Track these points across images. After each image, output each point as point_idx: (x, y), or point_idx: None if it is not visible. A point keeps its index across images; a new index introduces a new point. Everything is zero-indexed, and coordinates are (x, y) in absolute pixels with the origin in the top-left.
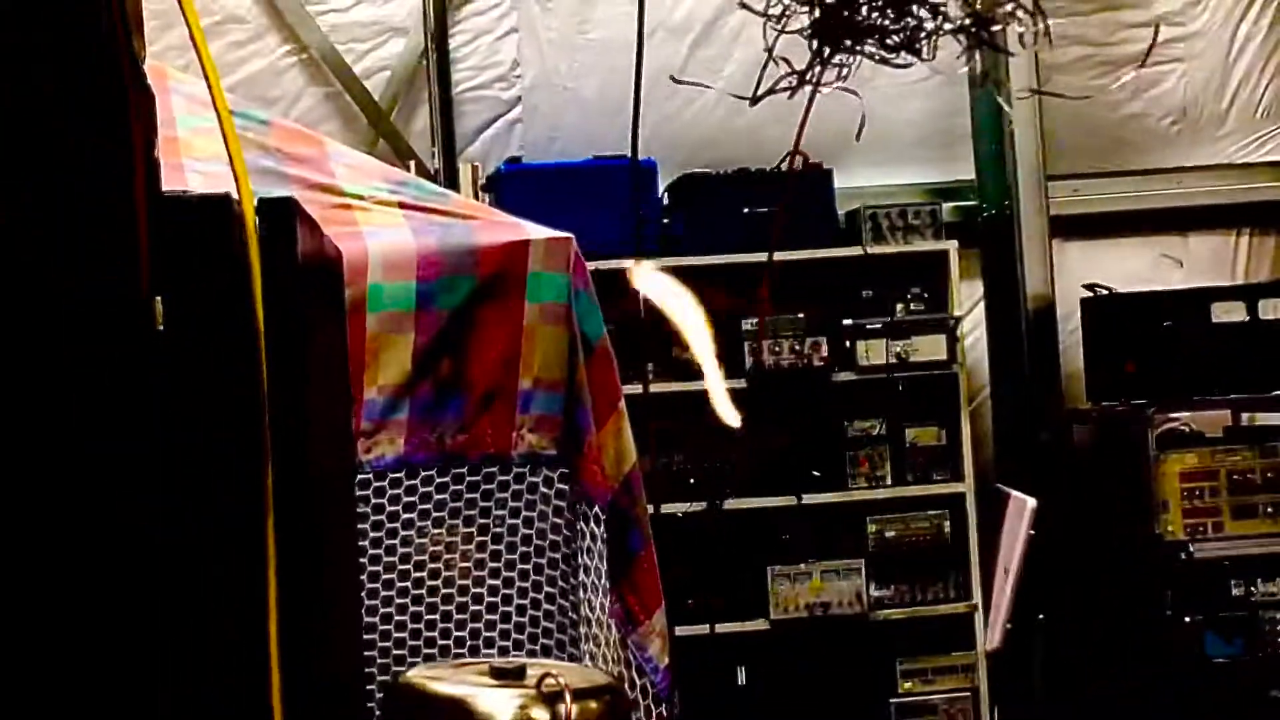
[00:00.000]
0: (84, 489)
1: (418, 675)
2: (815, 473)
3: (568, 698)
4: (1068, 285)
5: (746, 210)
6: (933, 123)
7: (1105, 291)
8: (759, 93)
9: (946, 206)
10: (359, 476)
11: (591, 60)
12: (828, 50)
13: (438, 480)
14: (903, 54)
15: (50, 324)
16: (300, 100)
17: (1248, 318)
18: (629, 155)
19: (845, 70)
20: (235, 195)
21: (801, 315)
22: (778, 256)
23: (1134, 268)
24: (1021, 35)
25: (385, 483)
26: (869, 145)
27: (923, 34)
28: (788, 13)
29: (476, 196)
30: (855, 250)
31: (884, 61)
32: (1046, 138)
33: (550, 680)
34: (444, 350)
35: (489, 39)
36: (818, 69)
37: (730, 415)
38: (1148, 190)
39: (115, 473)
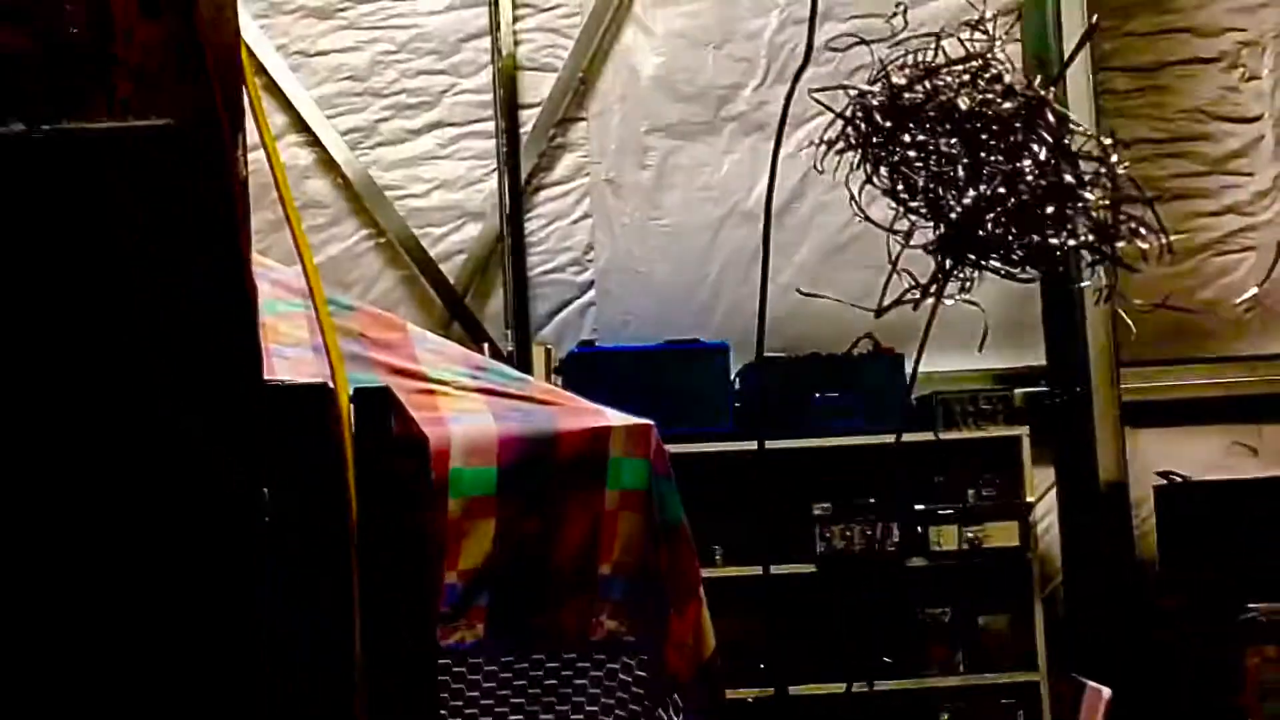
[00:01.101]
0: (192, 678)
1: None
2: (887, 659)
3: None
4: (1141, 473)
5: (818, 395)
6: (1005, 307)
7: (1179, 479)
8: (884, 304)
9: (1018, 392)
10: (440, 661)
11: (663, 245)
12: (951, 263)
13: (517, 666)
14: (1026, 269)
15: (163, 513)
16: (378, 283)
17: None
18: (699, 338)
19: (968, 284)
20: (331, 384)
21: (873, 500)
22: (848, 442)
23: (1207, 456)
24: (1145, 252)
25: (465, 668)
26: (942, 331)
27: (1043, 249)
28: (914, 227)
29: (549, 379)
30: (927, 435)
31: (1008, 276)
32: (1119, 324)
33: None
34: (525, 535)
35: (563, 224)
36: (940, 280)
37: None
38: (1221, 378)
39: (220, 656)
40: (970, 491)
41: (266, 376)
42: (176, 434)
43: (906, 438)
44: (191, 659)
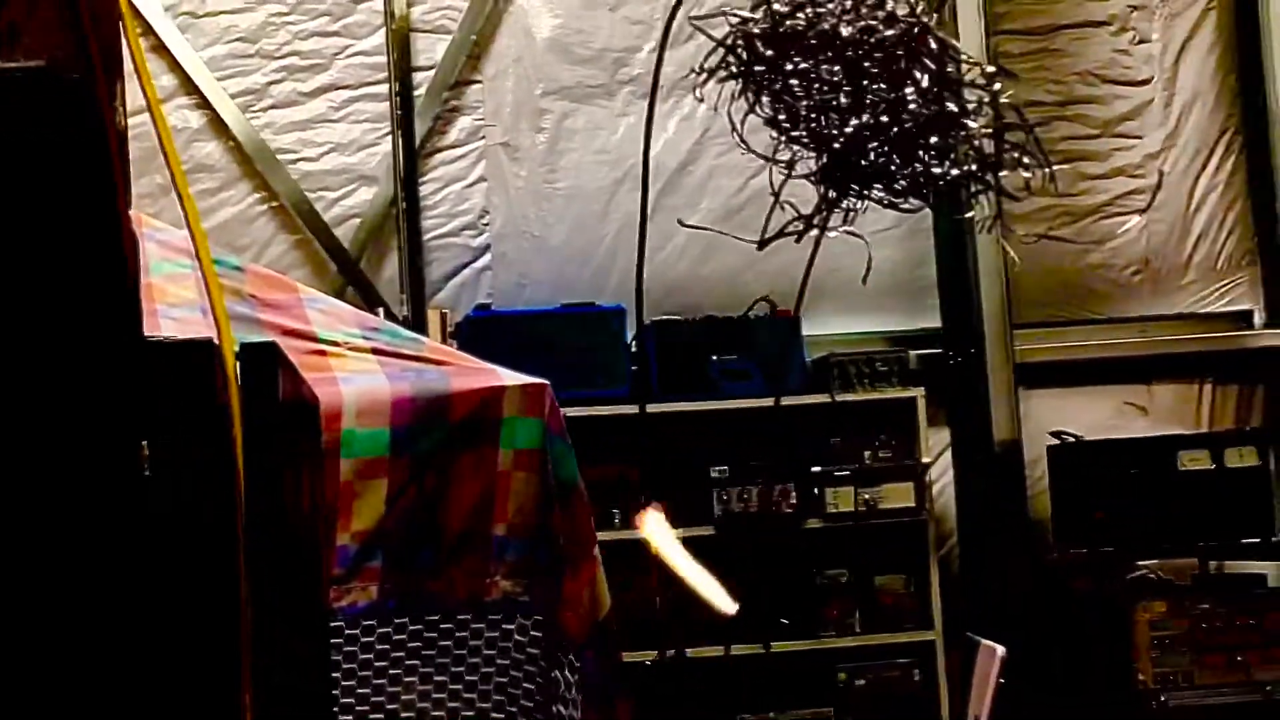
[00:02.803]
0: (70, 631)
1: None
2: (784, 620)
3: None
4: (1034, 432)
5: (714, 358)
6: (899, 272)
7: (1072, 439)
8: (767, 236)
9: (913, 354)
10: (332, 624)
11: (559, 208)
12: (834, 194)
13: (411, 628)
14: (909, 199)
15: (37, 466)
16: (270, 247)
17: (1213, 466)
18: (595, 302)
19: (851, 215)
20: (216, 340)
21: (771, 463)
22: (747, 404)
23: (1098, 416)
24: (1028, 181)
25: (358, 630)
26: (836, 293)
27: (928, 179)
28: (796, 157)
29: (445, 343)
30: (823, 397)
31: (891, 206)
32: (1011, 286)
33: None
34: (417, 497)
35: (458, 187)
36: (824, 213)
37: (727, 606)
38: (1111, 339)
39: (97, 613)
40: (866, 453)
41: (151, 334)
42: (47, 388)
43: (803, 400)
44: (67, 619)
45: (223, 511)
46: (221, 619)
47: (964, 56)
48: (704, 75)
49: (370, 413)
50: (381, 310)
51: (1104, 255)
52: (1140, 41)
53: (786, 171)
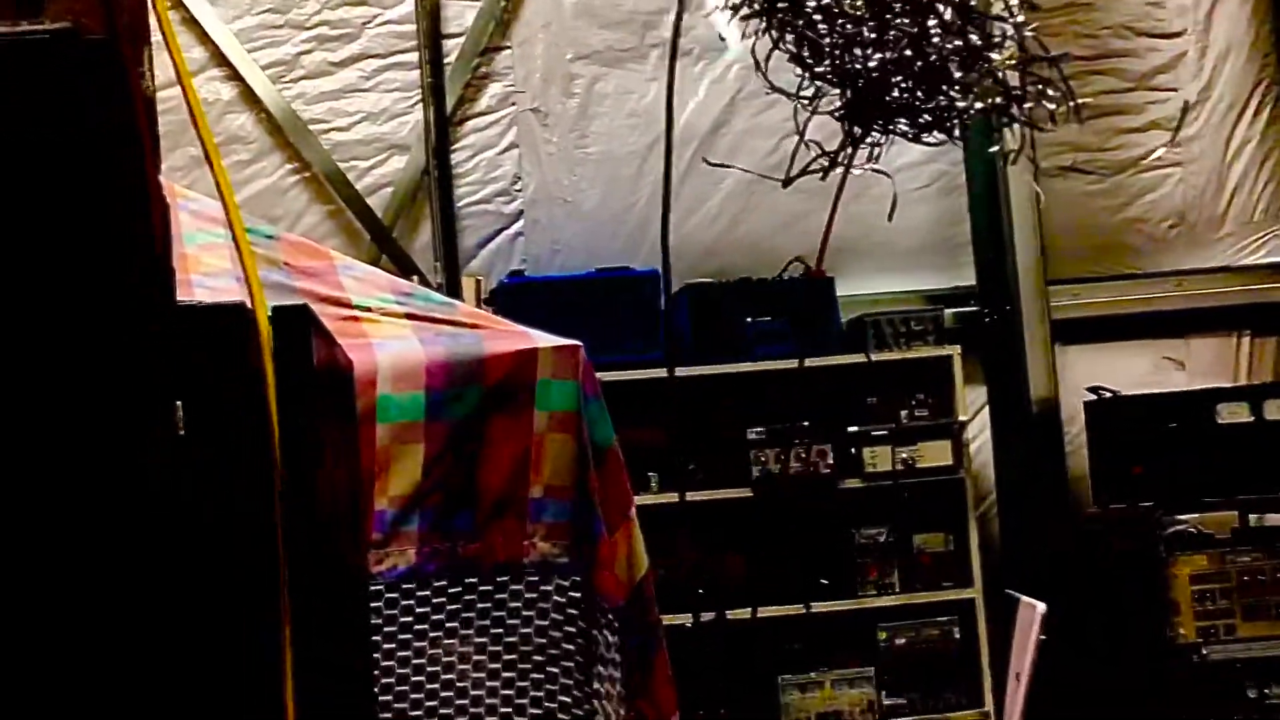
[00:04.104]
0: (105, 595)
1: None
2: (824, 581)
3: None
4: (1071, 389)
5: (749, 319)
6: (933, 230)
7: (1109, 394)
8: (792, 174)
9: (948, 313)
10: (371, 588)
11: (591, 173)
12: (859, 130)
13: (450, 590)
14: (934, 133)
15: (72, 429)
16: (304, 218)
17: (1252, 418)
18: (629, 266)
19: (876, 152)
20: (249, 304)
21: (807, 423)
22: (782, 365)
23: (1136, 371)
24: (1052, 113)
25: (397, 594)
26: (870, 253)
27: (953, 113)
28: (819, 94)
29: (480, 309)
30: (859, 357)
31: (916, 139)
32: (1046, 242)
33: None
34: (454, 460)
35: (490, 154)
36: (849, 150)
37: None
38: (1148, 294)
39: (133, 575)
40: (903, 412)
41: (184, 299)
42: (78, 352)
43: (838, 360)
44: (103, 582)
45: (258, 475)
46: (259, 581)
47: None
48: (730, 12)
49: (405, 377)
50: (416, 278)
51: (1139, 209)
52: None
53: (811, 109)
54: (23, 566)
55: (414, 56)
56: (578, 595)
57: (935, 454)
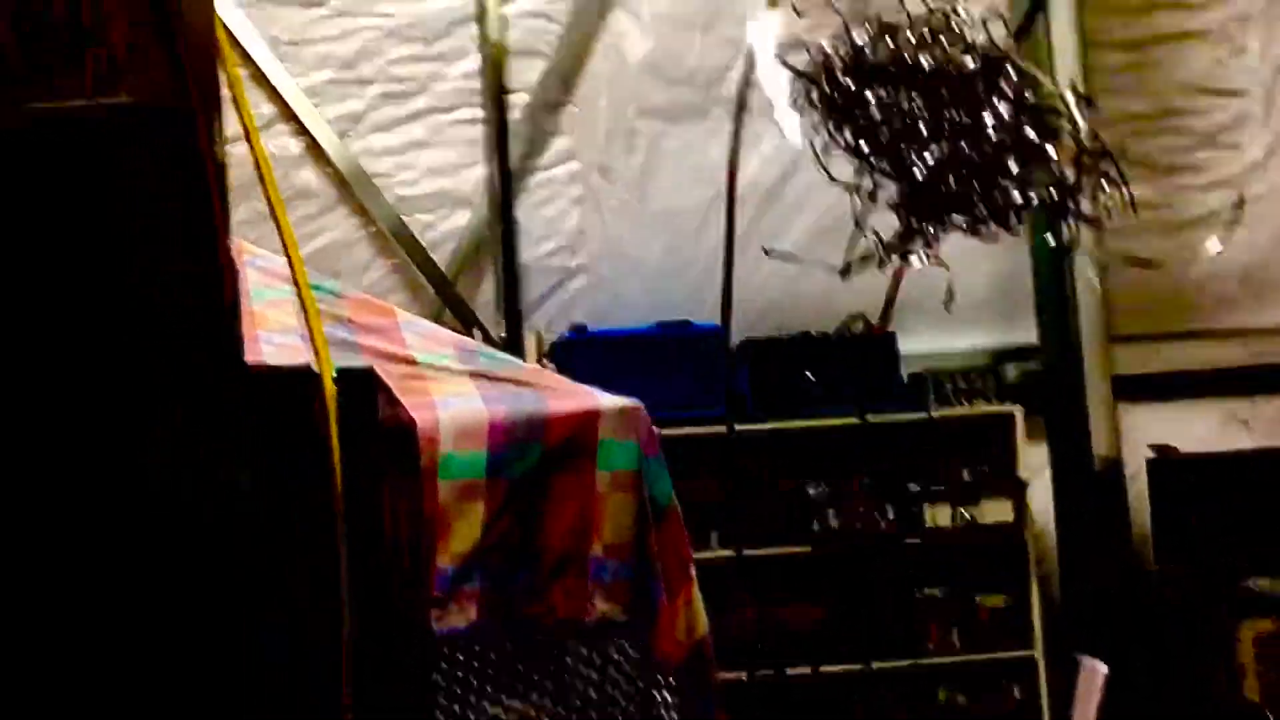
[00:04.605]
0: (175, 651)
1: None
2: (884, 640)
3: None
4: (1134, 447)
5: (810, 375)
6: (995, 285)
7: (1172, 453)
8: (849, 263)
9: (1010, 369)
10: (432, 645)
11: (653, 228)
12: (916, 222)
13: (509, 649)
14: (991, 226)
15: (145, 489)
16: (368, 271)
17: None
18: (691, 320)
19: (935, 241)
20: (315, 367)
21: (867, 479)
22: (842, 421)
23: (1200, 430)
24: (1108, 206)
25: (457, 652)
26: (931, 309)
27: (1009, 206)
28: (878, 186)
29: (541, 364)
30: (920, 415)
31: (973, 233)
32: (1110, 299)
33: None
34: (515, 518)
35: (553, 209)
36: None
37: None
38: (1212, 352)
39: (202, 631)
40: (964, 469)
41: (253, 361)
42: (150, 417)
43: (899, 417)
44: (176, 640)
45: (324, 532)
46: (324, 638)
47: (1044, 81)
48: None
49: (467, 436)
50: (478, 332)
51: (1204, 267)
52: (1239, 52)
53: (869, 200)
54: (96, 638)
55: (479, 112)
56: (637, 656)
57: (996, 512)
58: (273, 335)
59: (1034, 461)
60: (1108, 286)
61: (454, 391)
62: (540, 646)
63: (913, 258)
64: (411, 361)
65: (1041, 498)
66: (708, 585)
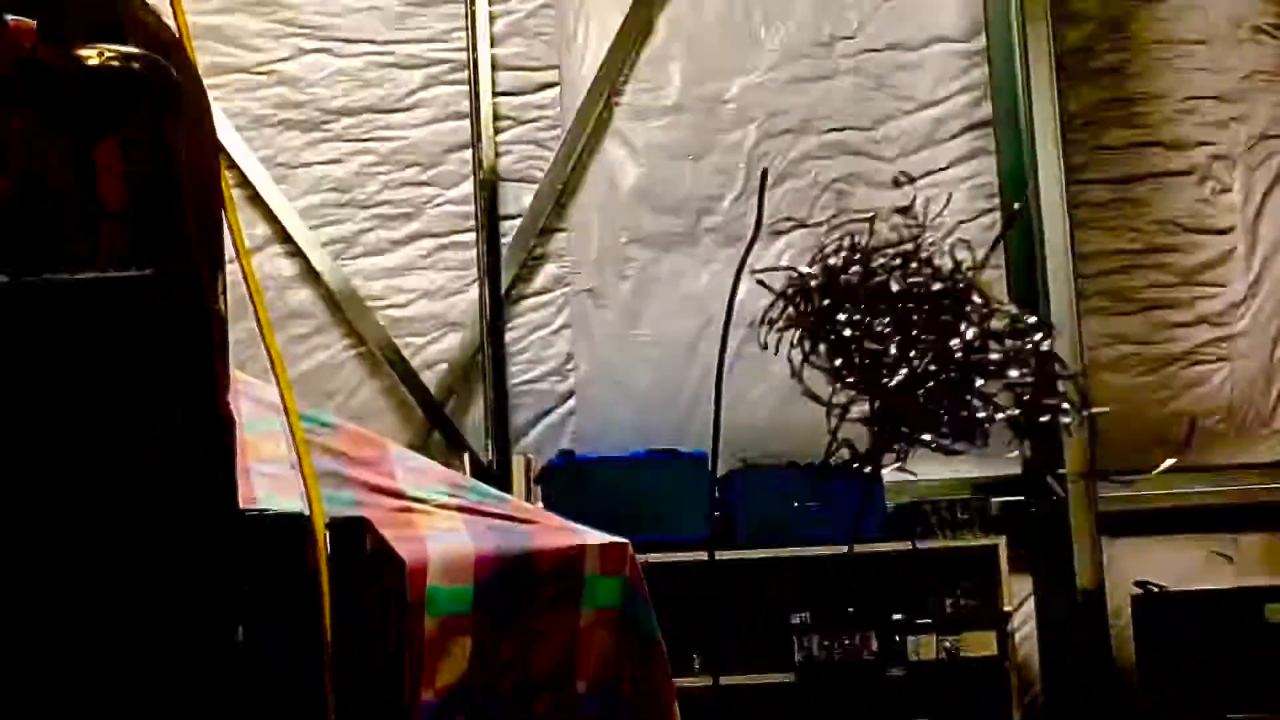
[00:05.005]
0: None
1: None
2: None
3: None
4: (1118, 582)
5: (795, 504)
6: None
7: (1156, 589)
8: (827, 471)
9: (995, 501)
10: None
11: (643, 355)
12: (887, 436)
13: None
14: (958, 442)
15: (139, 639)
16: (359, 392)
17: None
18: (678, 448)
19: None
20: (308, 513)
21: (851, 609)
22: (828, 550)
23: (1183, 565)
24: (1069, 425)
25: None
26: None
27: (976, 424)
28: (852, 401)
29: (529, 488)
30: (904, 545)
31: (941, 449)
32: (1094, 435)
33: None
34: (500, 653)
35: (543, 333)
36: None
37: None
38: (1196, 488)
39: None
40: (948, 600)
41: (245, 496)
42: (155, 569)
43: (884, 547)
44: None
45: (313, 671)
46: None
47: (1005, 308)
48: (767, 325)
49: (454, 570)
50: (467, 455)
51: (1187, 402)
52: (1223, 191)
53: (840, 416)
54: None
55: (472, 236)
56: None
57: (980, 644)
58: (263, 465)
59: (1017, 590)
60: (1094, 422)
61: (442, 526)
62: None
63: (885, 467)
64: (402, 495)
65: (1025, 629)
66: (689, 711)
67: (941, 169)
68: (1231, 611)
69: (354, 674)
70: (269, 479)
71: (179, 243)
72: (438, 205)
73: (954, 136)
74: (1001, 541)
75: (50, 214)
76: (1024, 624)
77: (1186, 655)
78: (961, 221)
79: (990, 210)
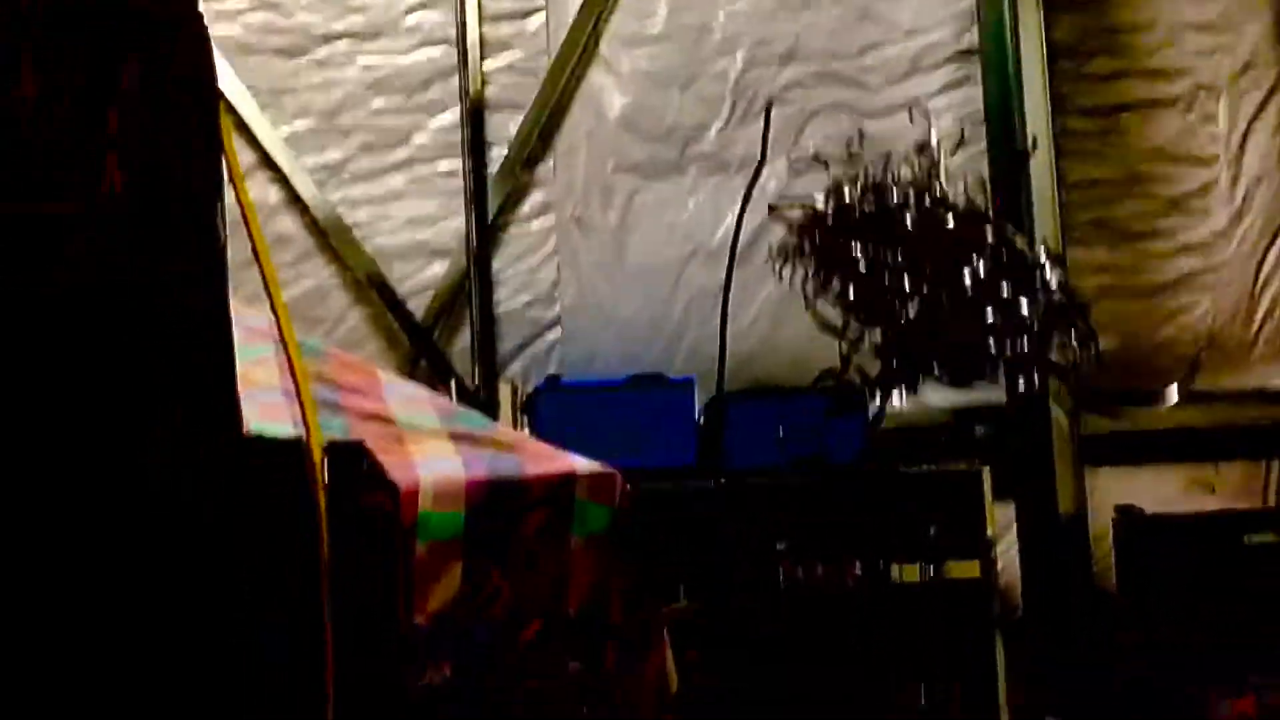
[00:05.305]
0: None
1: None
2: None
3: None
4: (1100, 509)
5: (781, 431)
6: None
7: (1137, 514)
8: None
9: (979, 428)
10: (407, 703)
11: (629, 283)
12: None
13: (481, 708)
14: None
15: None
16: (344, 320)
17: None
18: (666, 374)
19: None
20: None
21: (834, 536)
22: (812, 477)
23: (1166, 494)
24: (1075, 360)
25: (433, 710)
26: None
27: (985, 358)
28: (864, 333)
29: (516, 415)
30: (887, 471)
31: (952, 382)
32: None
33: None
34: (490, 580)
35: (530, 261)
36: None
37: None
38: (1178, 416)
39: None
40: (931, 527)
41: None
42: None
43: (866, 473)
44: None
45: (310, 596)
46: (311, 703)
47: (1018, 244)
48: (781, 258)
49: (446, 496)
50: (454, 382)
51: (1170, 331)
52: (1208, 121)
53: (851, 347)
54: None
55: (458, 164)
56: (608, 711)
57: (963, 569)
58: (256, 393)
59: (1000, 517)
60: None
61: (434, 452)
62: (511, 706)
63: (893, 397)
64: (392, 421)
65: (1008, 556)
66: (676, 640)
67: (930, 94)
68: (1212, 537)
69: (350, 599)
70: (261, 406)
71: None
72: (424, 133)
73: (938, 66)
74: (985, 468)
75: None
76: (1007, 550)
77: (1166, 579)
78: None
79: (977, 141)
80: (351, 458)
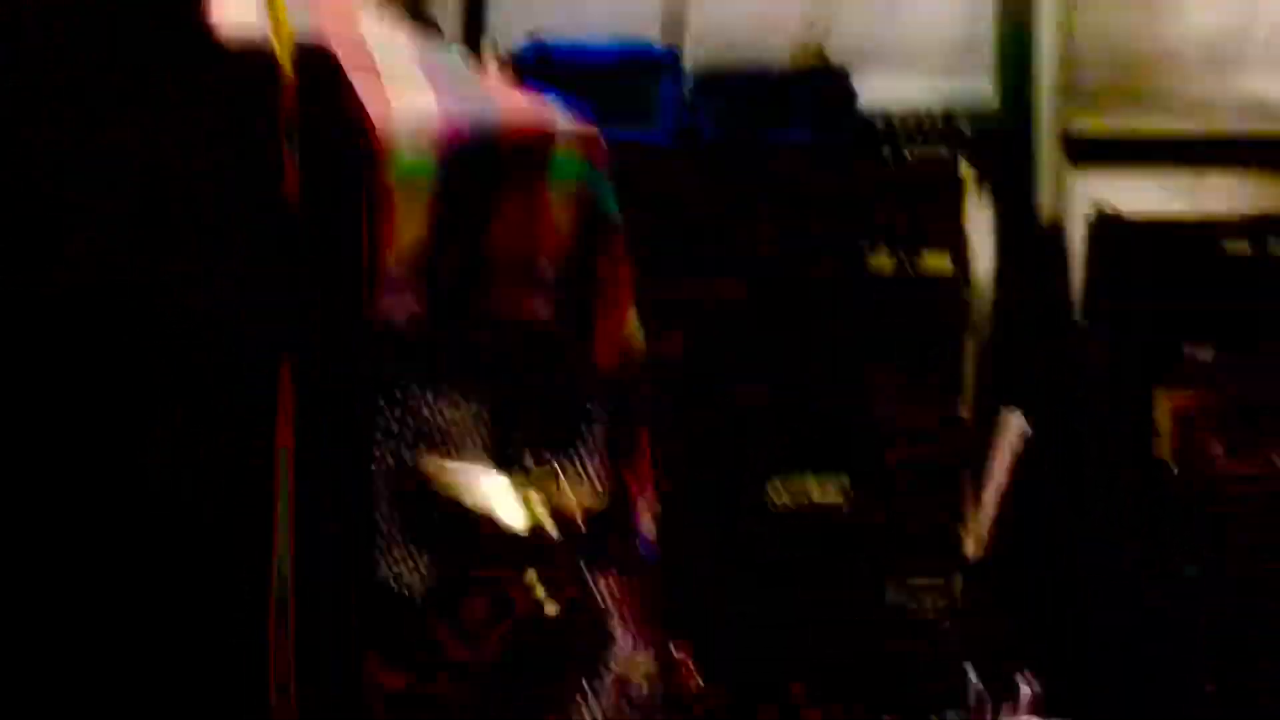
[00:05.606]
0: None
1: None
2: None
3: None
4: (1080, 211)
5: (763, 113)
6: (954, 27)
7: (1112, 213)
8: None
9: (963, 119)
10: (375, 333)
11: None
12: None
13: (452, 343)
14: None
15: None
16: None
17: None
18: (650, 43)
19: None
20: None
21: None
22: (791, 161)
23: (1147, 200)
24: None
25: (400, 342)
26: (884, 56)
27: None
28: None
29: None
30: (868, 159)
31: None
32: (1072, 59)
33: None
34: (461, 221)
35: None
36: None
37: None
38: (1167, 121)
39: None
40: (909, 217)
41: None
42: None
43: (849, 160)
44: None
45: (278, 216)
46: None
47: None
48: None
49: (420, 135)
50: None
51: (1168, 38)
52: None
53: None
54: None
55: None
56: (573, 361)
57: (938, 261)
58: None
59: (979, 216)
60: (1070, 49)
61: (409, 86)
62: (480, 348)
63: None
64: (367, 51)
65: (985, 254)
66: (644, 314)
67: None
68: (1189, 243)
69: (321, 232)
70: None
71: None
72: None
73: None
74: (966, 159)
75: None
76: (983, 248)
77: (1139, 282)
78: None
79: None
80: (324, 64)
